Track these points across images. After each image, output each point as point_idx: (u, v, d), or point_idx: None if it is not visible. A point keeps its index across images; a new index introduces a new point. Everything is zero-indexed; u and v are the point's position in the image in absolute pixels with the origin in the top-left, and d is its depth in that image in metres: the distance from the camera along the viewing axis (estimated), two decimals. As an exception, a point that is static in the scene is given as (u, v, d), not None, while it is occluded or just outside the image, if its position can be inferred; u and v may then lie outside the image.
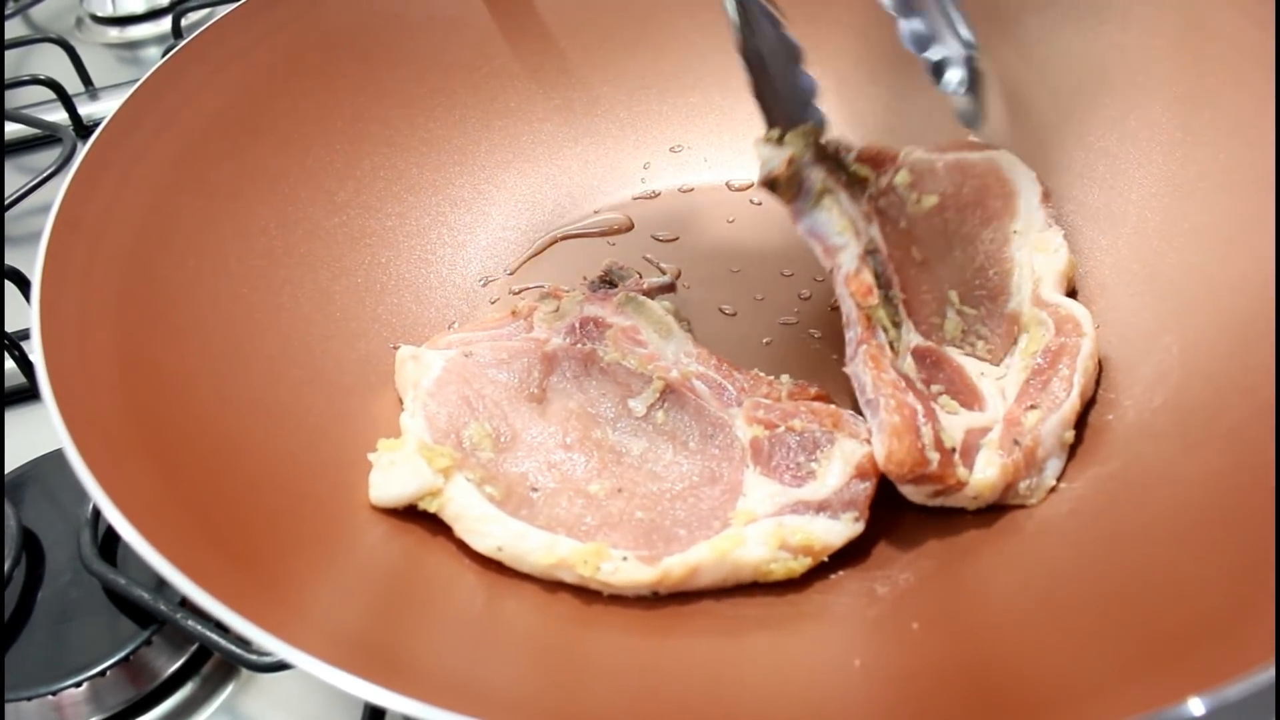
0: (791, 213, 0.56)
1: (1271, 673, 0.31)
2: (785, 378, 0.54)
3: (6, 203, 0.75)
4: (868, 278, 0.53)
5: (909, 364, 0.53)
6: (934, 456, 0.47)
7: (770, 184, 0.56)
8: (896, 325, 0.54)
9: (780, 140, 0.56)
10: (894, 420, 0.48)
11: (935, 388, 0.52)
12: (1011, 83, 0.63)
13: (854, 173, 0.58)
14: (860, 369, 0.51)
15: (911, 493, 0.48)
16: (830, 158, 0.57)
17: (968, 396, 0.52)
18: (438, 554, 0.47)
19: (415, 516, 0.48)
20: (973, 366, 0.54)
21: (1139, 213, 0.56)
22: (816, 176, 0.55)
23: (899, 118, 0.67)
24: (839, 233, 0.55)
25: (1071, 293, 0.56)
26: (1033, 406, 0.50)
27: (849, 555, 0.47)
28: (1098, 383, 0.52)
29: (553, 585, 0.46)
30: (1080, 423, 0.51)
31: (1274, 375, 0.44)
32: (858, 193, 0.57)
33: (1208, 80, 0.54)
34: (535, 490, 0.49)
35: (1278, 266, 0.47)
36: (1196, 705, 0.31)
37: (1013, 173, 0.60)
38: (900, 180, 0.59)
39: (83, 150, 0.52)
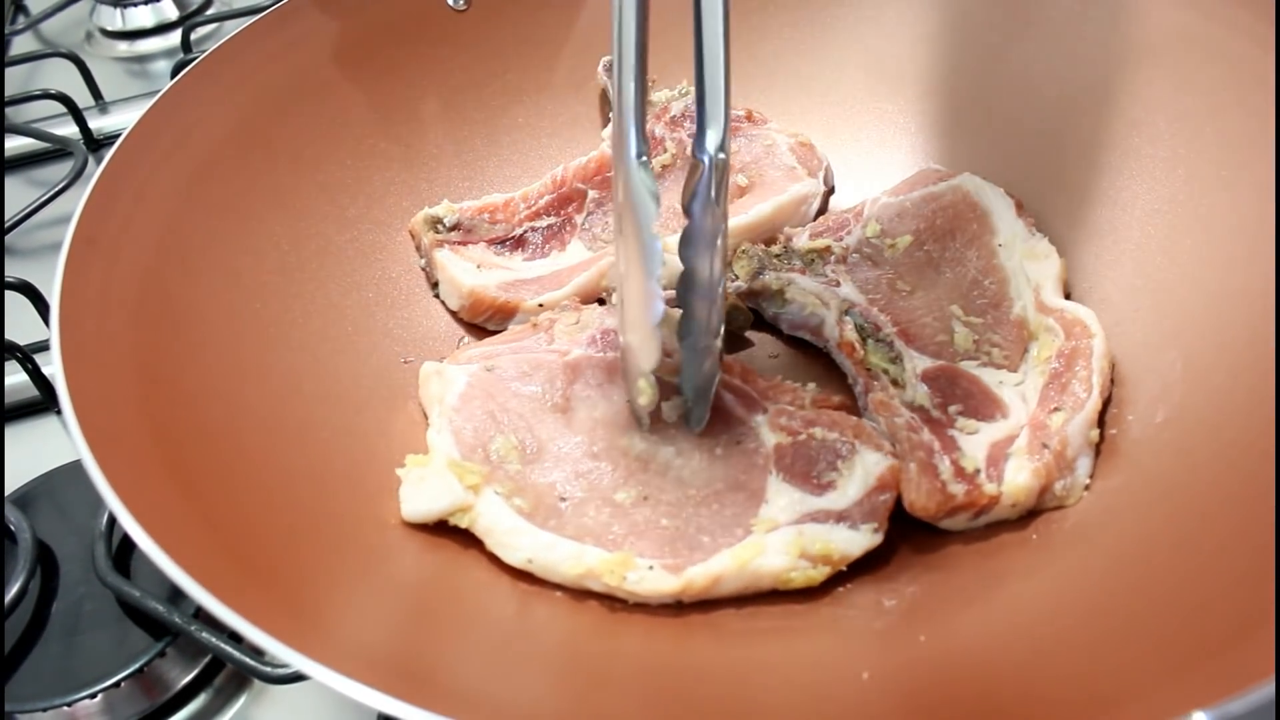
0: (774, 322, 0.62)
1: (1272, 689, 0.32)
2: (810, 385, 0.54)
3: (20, 216, 0.76)
4: (850, 334, 0.56)
5: (921, 391, 0.53)
6: (958, 489, 0.48)
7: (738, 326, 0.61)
8: (895, 361, 0.55)
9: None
10: (909, 468, 0.49)
11: (953, 408, 0.53)
12: (1014, 102, 0.64)
13: (807, 253, 0.62)
14: (873, 417, 0.53)
15: (950, 524, 0.49)
16: (779, 256, 0.62)
17: (988, 407, 0.53)
18: (471, 568, 0.48)
19: (446, 530, 0.49)
20: (991, 376, 0.55)
21: (1142, 229, 0.56)
22: (770, 280, 0.60)
23: (865, 172, 0.68)
24: (810, 313, 0.59)
25: (1066, 295, 0.57)
26: (1056, 409, 0.51)
27: (857, 567, 0.48)
28: (1112, 381, 0.53)
29: (581, 594, 0.47)
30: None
31: (1274, 392, 0.44)
32: (819, 265, 0.62)
33: (1209, 98, 0.55)
34: (564, 500, 0.50)
35: (1278, 283, 0.47)
36: (1201, 720, 0.32)
37: (980, 193, 0.62)
38: (871, 232, 0.62)
39: (98, 168, 0.53)
